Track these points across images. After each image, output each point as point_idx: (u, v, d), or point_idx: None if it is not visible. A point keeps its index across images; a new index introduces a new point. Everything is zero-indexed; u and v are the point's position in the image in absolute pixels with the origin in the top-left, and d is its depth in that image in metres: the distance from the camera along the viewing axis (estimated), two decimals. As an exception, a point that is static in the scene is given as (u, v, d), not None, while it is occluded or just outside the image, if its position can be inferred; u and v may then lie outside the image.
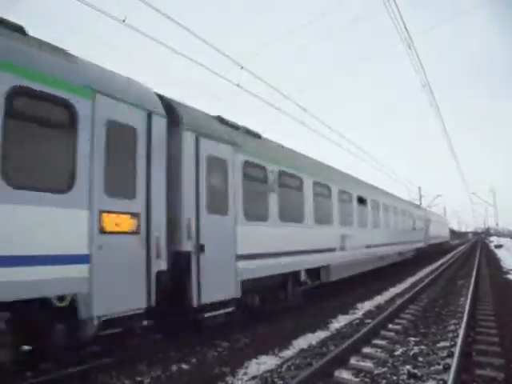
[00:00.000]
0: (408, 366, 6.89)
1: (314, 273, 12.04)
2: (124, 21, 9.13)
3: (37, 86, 5.36)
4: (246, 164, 9.16)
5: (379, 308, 12.46)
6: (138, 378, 6.61)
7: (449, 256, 41.15)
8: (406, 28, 12.62)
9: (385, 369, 6.85)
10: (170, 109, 7.68)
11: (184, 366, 7.18)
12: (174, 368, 7.07)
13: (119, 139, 6.40)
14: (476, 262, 26.47)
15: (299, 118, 15.73)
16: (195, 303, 7.49)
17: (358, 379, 6.50)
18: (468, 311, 10.27)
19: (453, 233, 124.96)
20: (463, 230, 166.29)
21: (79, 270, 5.64)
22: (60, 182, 5.62)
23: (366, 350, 7.98)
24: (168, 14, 9.32)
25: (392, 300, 13.81)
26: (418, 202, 52.40)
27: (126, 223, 6.38)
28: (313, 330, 9.62)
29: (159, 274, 6.87)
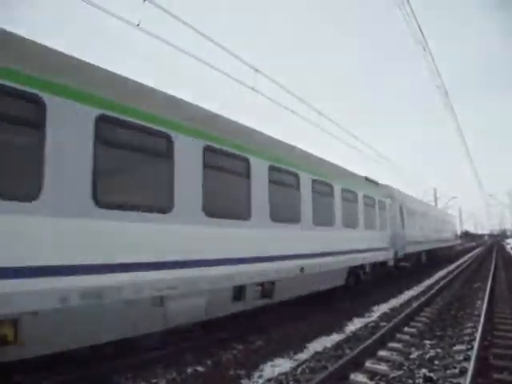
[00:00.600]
0: (424, 370, 6.84)
1: None
2: (138, 25, 9.21)
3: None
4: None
5: (395, 311, 12.38)
6: (153, 380, 6.66)
7: (464, 259, 40.82)
8: (420, 30, 12.55)
9: (400, 372, 6.81)
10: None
11: (199, 369, 7.21)
12: (190, 370, 7.11)
13: None
14: (492, 265, 26.21)
15: (314, 121, 15.72)
16: None
17: (373, 382, 6.48)
18: (485, 314, 10.16)
19: (468, 235, 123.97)
20: (479, 232, 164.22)
21: None
22: None
23: (382, 353, 7.95)
24: (183, 18, 9.37)
25: (408, 303, 13.72)
26: (433, 203, 51.81)
27: None
28: (328, 333, 9.60)
29: None
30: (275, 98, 13.50)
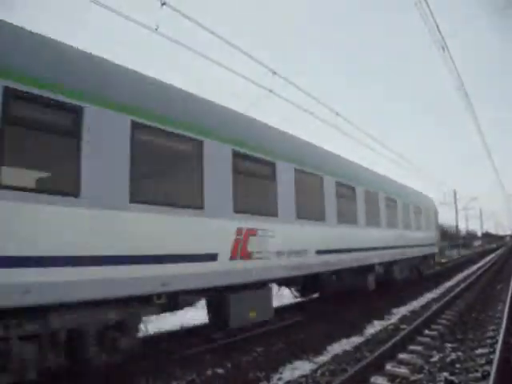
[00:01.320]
0: (445, 373, 6.76)
1: None
2: (156, 29, 9.31)
3: None
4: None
5: (414, 313, 12.27)
6: (174, 382, 6.70)
7: (486, 260, 40.35)
8: (438, 29, 12.42)
9: (421, 375, 6.75)
10: None
11: (219, 371, 7.24)
12: (209, 372, 7.14)
13: None
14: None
15: (332, 122, 15.68)
16: None
17: (393, 386, 6.43)
18: (507, 316, 10.01)
19: (489, 236, 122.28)
20: (501, 232, 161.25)
21: None
22: None
23: (402, 355, 7.87)
24: (199, 18, 9.44)
25: (427, 305, 13.59)
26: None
27: None
28: (347, 336, 9.56)
29: None
30: (292, 99, 13.51)
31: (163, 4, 9.06)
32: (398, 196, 17.56)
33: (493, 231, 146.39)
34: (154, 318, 7.99)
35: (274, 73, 11.53)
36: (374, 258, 14.31)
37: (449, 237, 70.72)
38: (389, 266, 16.20)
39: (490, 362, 6.96)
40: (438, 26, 12.25)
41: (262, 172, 9.11)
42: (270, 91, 11.70)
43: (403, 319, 11.45)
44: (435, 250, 24.95)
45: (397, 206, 17.21)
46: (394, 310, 13.01)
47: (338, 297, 13.75)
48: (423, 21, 11.69)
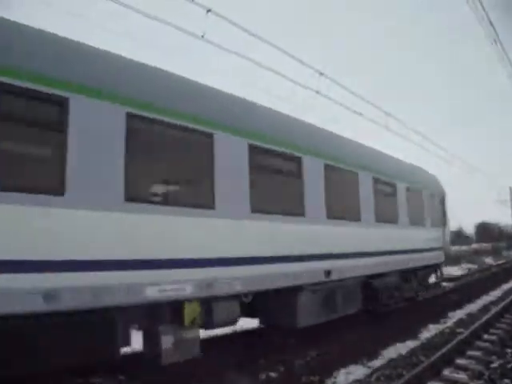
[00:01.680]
0: (507, 380, 6.52)
1: None
2: (203, 36, 9.47)
3: None
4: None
5: (472, 316, 11.89)
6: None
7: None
8: (491, 23, 12.03)
9: (481, 382, 6.53)
10: None
11: (272, 374, 7.26)
12: (263, 376, 7.18)
13: None
14: None
15: (382, 122, 15.45)
16: None
17: (452, 392, 6.25)
18: None
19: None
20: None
21: None
22: None
23: (460, 361, 7.63)
24: (245, 26, 9.54)
25: (485, 308, 13.13)
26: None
27: None
28: (402, 339, 9.39)
29: None
30: (340, 99, 13.42)
31: (208, 11, 9.22)
32: (306, 151, 8.70)
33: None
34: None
35: (321, 74, 11.50)
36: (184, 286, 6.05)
37: (505, 236, 67.95)
38: (287, 297, 8.14)
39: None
40: (490, 21, 11.88)
41: None
42: (317, 92, 11.67)
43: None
44: (440, 258, 15.15)
45: (301, 172, 8.53)
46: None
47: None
48: (475, 16, 11.37)
